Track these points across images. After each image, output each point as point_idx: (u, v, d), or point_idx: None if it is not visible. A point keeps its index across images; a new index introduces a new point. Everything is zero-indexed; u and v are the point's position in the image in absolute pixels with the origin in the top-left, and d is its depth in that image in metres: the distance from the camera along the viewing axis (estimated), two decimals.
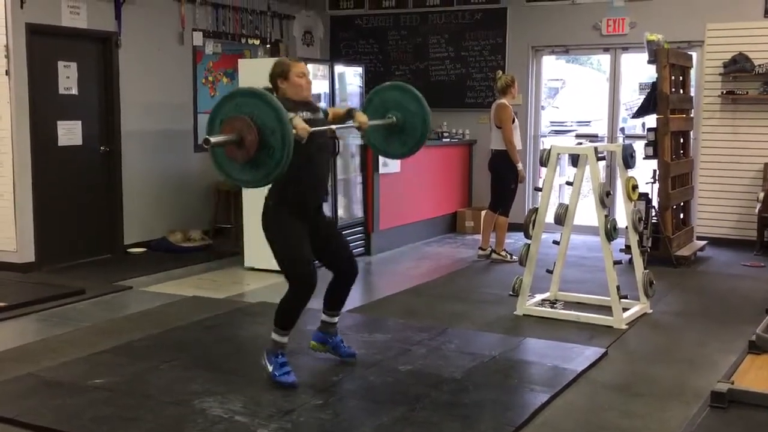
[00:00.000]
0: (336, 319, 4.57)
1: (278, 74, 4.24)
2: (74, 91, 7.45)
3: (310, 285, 4.14)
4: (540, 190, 5.86)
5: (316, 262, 4.29)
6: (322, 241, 4.34)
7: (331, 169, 7.57)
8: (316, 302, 4.48)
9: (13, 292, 6.23)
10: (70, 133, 7.43)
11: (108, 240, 7.82)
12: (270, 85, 4.26)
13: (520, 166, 7.63)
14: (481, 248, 7.92)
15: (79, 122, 7.52)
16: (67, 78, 7.38)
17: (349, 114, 4.50)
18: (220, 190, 8.66)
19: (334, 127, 4.56)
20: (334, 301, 4.53)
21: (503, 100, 7.62)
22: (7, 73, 6.79)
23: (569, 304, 5.93)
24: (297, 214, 4.21)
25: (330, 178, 7.54)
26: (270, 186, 4.25)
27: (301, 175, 4.12)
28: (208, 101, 8.84)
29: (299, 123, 3.93)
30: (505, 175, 7.65)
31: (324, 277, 4.34)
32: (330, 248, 4.41)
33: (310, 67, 7.46)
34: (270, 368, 4.21)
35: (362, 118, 4.46)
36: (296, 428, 3.70)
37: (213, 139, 3.60)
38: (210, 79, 8.90)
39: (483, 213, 8.13)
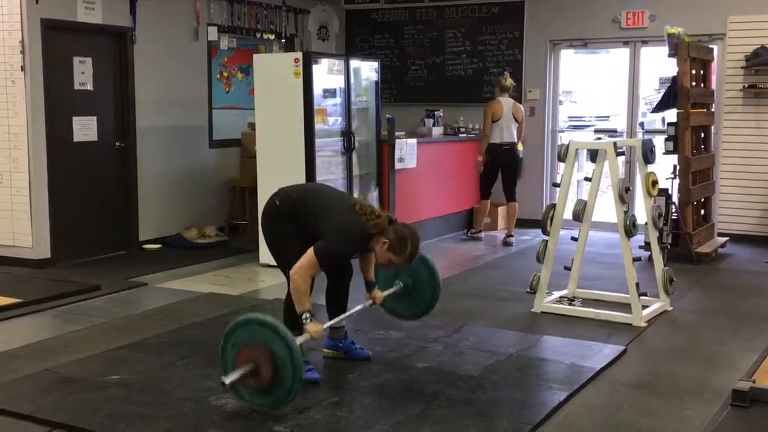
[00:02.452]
0: (342, 323, 4.54)
1: (395, 247, 4.01)
2: (89, 87, 7.45)
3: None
4: (558, 185, 5.81)
5: None
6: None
7: (347, 168, 7.55)
8: (321, 297, 4.48)
9: (28, 289, 6.25)
10: (85, 128, 7.43)
11: (123, 236, 7.83)
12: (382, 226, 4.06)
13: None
14: (509, 235, 8.42)
15: (95, 118, 7.52)
16: (83, 74, 7.38)
17: (368, 286, 4.48)
18: (235, 186, 8.65)
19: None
20: (336, 304, 4.50)
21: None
22: (23, 68, 6.80)
23: (587, 302, 5.87)
24: None
25: (346, 175, 7.54)
26: (277, 193, 4.28)
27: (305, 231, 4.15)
28: (223, 97, 8.84)
29: (315, 330, 3.95)
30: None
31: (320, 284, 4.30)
32: None
33: (326, 62, 7.55)
34: None
35: (377, 294, 4.47)
36: (312, 425, 3.69)
37: (228, 381, 3.61)
38: (225, 74, 8.88)
39: (502, 207, 8.23)
